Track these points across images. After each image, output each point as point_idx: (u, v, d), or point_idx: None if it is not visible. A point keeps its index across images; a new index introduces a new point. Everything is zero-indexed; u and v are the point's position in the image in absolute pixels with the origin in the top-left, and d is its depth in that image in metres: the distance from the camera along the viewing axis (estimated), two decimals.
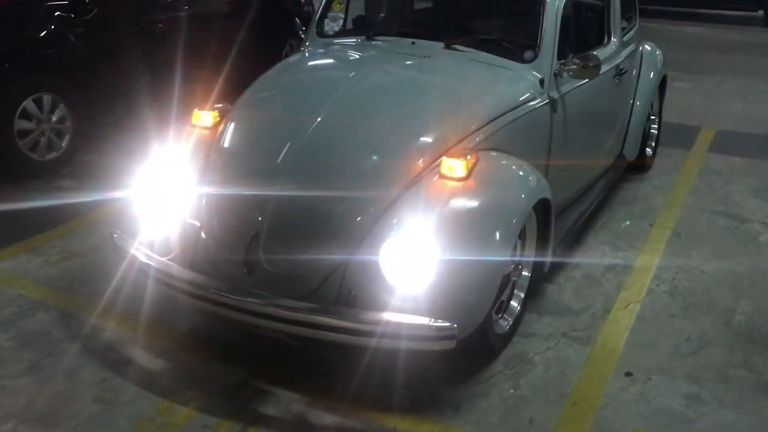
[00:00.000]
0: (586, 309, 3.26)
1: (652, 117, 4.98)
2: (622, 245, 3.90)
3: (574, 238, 3.72)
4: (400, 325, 2.38)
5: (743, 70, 8.26)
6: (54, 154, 4.72)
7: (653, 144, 5.06)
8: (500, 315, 2.92)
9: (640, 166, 4.82)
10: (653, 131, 5.06)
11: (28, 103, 4.50)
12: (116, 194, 3.21)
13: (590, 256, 3.75)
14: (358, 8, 4.17)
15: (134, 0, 5.29)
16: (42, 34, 4.63)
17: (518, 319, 3.01)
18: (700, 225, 4.18)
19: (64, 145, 4.77)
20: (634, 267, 3.66)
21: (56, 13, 4.69)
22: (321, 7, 3.81)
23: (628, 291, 3.42)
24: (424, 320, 2.38)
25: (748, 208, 4.42)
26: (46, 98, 4.61)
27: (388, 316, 2.40)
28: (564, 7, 3.37)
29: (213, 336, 2.98)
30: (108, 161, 4.76)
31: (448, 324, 2.38)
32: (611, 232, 4.05)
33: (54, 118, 4.67)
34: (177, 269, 2.69)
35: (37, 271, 3.52)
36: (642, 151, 4.77)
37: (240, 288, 2.57)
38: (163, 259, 2.74)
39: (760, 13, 11.39)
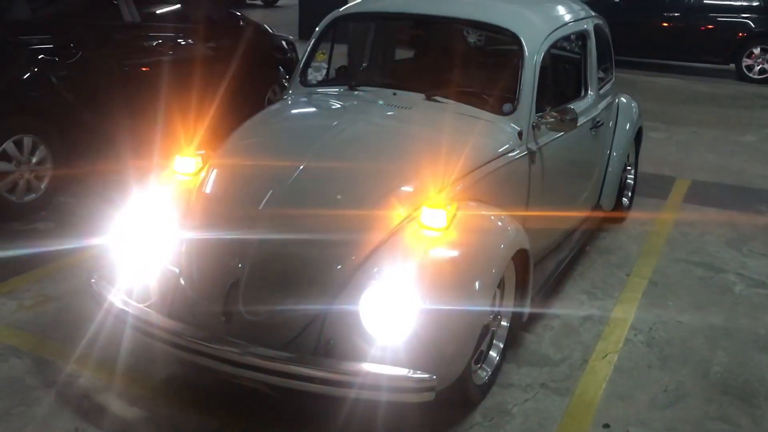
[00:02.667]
0: (565, 359, 3.27)
1: (629, 167, 5.06)
2: (600, 294, 3.93)
3: (552, 288, 3.75)
4: (378, 376, 2.37)
5: (716, 121, 8.47)
6: (32, 196, 4.69)
7: (630, 194, 5.15)
8: (479, 365, 2.92)
9: (616, 215, 4.88)
10: (629, 181, 5.15)
11: (8, 145, 4.48)
12: (94, 239, 3.18)
13: (568, 306, 3.77)
14: (341, 59, 4.24)
15: (118, 44, 5.33)
16: (25, 77, 4.64)
17: (497, 369, 3.01)
18: (676, 275, 4.23)
19: (43, 187, 4.73)
20: (611, 317, 3.69)
21: (40, 56, 4.71)
22: (305, 57, 3.87)
23: (606, 341, 3.44)
24: (403, 371, 2.37)
25: (722, 258, 4.49)
26: (27, 140, 4.59)
27: (366, 366, 2.39)
28: (542, 60, 3.45)
29: (190, 384, 2.94)
30: (87, 204, 4.74)
31: (427, 375, 2.38)
32: (589, 281, 4.09)
33: (34, 160, 4.65)
34: (154, 316, 2.67)
35: (11, 315, 3.46)
36: (619, 201, 4.85)
37: (217, 336, 2.55)
38: (141, 305, 2.72)
39: (732, 66, 11.72)
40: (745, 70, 11.53)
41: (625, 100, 4.99)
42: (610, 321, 3.64)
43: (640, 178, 5.40)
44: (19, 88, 4.63)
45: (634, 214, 5.12)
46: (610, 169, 4.60)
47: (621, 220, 4.97)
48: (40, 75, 4.70)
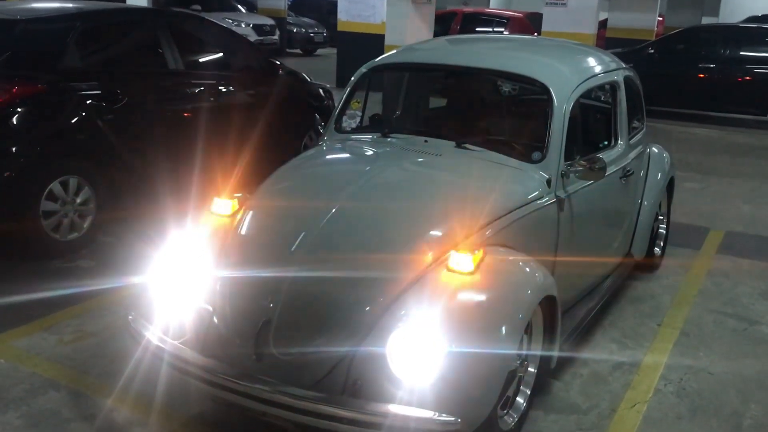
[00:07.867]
0: (593, 408, 3.26)
1: (660, 217, 5.06)
2: (630, 343, 3.91)
3: (582, 335, 3.74)
4: (404, 417, 2.40)
5: (752, 172, 8.39)
6: (75, 235, 4.84)
7: (662, 243, 5.12)
8: (506, 411, 2.93)
9: (648, 264, 4.87)
10: (661, 231, 5.13)
11: (55, 186, 4.66)
12: (133, 277, 3.29)
13: (597, 354, 3.76)
14: (375, 107, 4.36)
15: (162, 90, 5.55)
16: (73, 121, 4.85)
17: (524, 415, 3.01)
18: (708, 326, 4.19)
19: (85, 226, 4.89)
20: (641, 366, 3.66)
21: (88, 102, 4.92)
22: (340, 105, 4.00)
23: (635, 390, 3.42)
24: (428, 414, 2.41)
25: (756, 310, 4.43)
26: (72, 181, 4.77)
27: (392, 408, 2.43)
28: (571, 110, 3.51)
29: (221, 421, 3.00)
30: (126, 244, 4.88)
31: (452, 419, 2.40)
32: (619, 329, 4.07)
33: (78, 200, 4.82)
34: (188, 353, 2.74)
35: (51, 349, 3.57)
36: (650, 250, 4.83)
37: (248, 374, 2.61)
38: (176, 342, 2.80)
39: None
40: None
41: (656, 150, 5.01)
42: (640, 370, 3.62)
43: (674, 228, 5.38)
44: (68, 132, 4.84)
45: (666, 264, 5.09)
46: (641, 218, 4.60)
47: (653, 269, 4.95)
48: (88, 119, 4.91)
